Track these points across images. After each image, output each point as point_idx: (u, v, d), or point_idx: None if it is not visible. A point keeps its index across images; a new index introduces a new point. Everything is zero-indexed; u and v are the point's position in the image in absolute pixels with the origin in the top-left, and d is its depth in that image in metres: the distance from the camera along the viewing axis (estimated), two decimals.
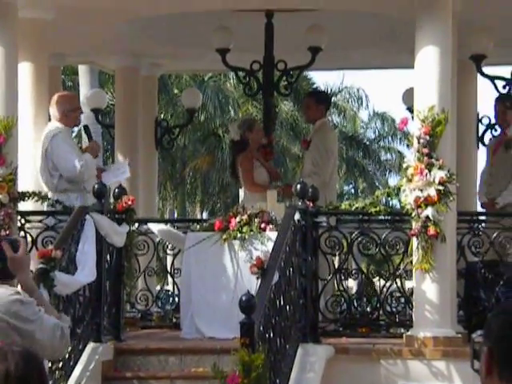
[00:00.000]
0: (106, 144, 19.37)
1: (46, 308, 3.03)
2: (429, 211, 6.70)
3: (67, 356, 6.34)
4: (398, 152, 29.99)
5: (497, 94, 8.52)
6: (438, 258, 6.77)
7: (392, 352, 6.84)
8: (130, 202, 7.04)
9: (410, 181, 6.80)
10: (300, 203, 6.93)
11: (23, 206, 7.32)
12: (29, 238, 7.15)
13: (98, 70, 15.17)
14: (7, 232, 6.77)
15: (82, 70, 15.83)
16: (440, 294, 6.82)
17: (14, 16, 7.19)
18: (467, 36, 7.97)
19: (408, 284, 7.52)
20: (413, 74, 7.14)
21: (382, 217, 7.23)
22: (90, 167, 7.48)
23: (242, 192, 8.65)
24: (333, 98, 25.02)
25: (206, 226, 7.63)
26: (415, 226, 6.77)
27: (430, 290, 6.82)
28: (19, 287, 3.09)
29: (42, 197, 7.31)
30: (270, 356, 5.79)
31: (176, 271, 8.70)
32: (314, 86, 25.55)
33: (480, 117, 9.24)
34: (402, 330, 7.09)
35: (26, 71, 7.69)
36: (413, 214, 6.78)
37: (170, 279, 9.24)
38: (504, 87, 8.32)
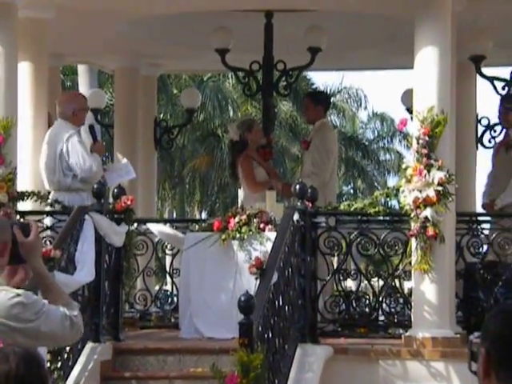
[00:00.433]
0: (105, 144, 19.35)
1: (55, 295, 3.01)
2: (428, 212, 6.71)
3: (66, 356, 6.35)
4: (397, 152, 30.00)
5: (496, 95, 8.53)
6: (436, 258, 6.78)
7: (390, 352, 6.85)
8: (129, 202, 7.04)
9: (408, 181, 6.80)
10: (299, 203, 6.93)
11: (22, 205, 7.32)
12: None
13: (98, 70, 15.17)
14: None
15: (82, 69, 15.83)
16: (439, 295, 6.82)
17: (13, 16, 7.19)
18: (466, 37, 7.97)
19: (407, 284, 7.52)
20: (412, 74, 7.14)
21: (380, 217, 7.24)
22: (100, 168, 7.54)
23: (241, 192, 8.65)
24: (332, 99, 25.00)
25: (205, 226, 7.64)
26: (414, 226, 6.78)
27: (428, 290, 6.83)
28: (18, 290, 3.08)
29: (41, 196, 7.32)
30: (269, 356, 5.79)
31: (175, 271, 8.70)
32: (314, 86, 25.56)
33: (479, 118, 9.24)
34: (401, 331, 7.09)
35: (25, 71, 7.70)
36: (412, 215, 6.78)
37: (168, 279, 9.24)
38: (503, 88, 8.32)
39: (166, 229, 8.47)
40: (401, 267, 7.14)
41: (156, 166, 10.59)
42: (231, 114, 24.62)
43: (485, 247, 7.44)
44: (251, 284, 6.45)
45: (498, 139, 9.00)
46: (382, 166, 30.28)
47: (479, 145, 9.21)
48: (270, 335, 5.93)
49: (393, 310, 7.24)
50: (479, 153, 9.29)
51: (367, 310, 7.30)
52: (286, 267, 6.50)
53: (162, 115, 21.11)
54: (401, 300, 7.21)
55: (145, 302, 8.52)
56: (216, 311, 7.28)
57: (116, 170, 7.72)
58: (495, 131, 9.08)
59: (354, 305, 7.26)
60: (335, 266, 7.46)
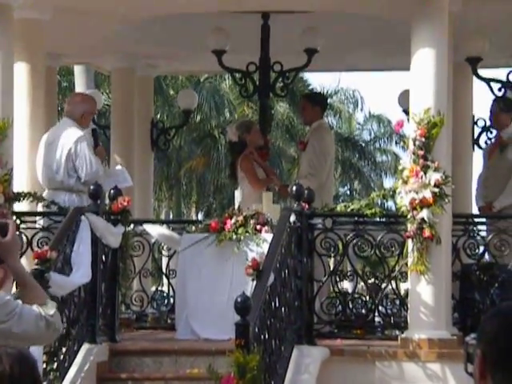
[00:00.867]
0: (101, 145, 19.33)
1: (32, 294, 3.00)
2: (424, 213, 6.71)
3: (62, 357, 6.34)
4: (394, 154, 30.02)
5: (492, 97, 8.54)
6: (433, 260, 6.78)
7: (387, 354, 6.85)
8: (125, 203, 7.04)
9: (405, 183, 6.80)
10: (296, 205, 6.93)
11: (18, 206, 7.31)
12: (24, 239, 7.15)
13: (94, 71, 15.16)
14: None
15: (78, 70, 15.82)
16: (435, 296, 6.82)
17: (10, 16, 7.18)
18: (463, 38, 7.98)
19: (403, 286, 7.52)
20: (409, 75, 7.14)
21: (377, 219, 7.24)
22: (103, 173, 7.58)
23: (237, 193, 8.65)
24: (329, 100, 25.02)
25: (202, 227, 7.63)
26: (410, 227, 6.78)
27: (425, 292, 6.83)
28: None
29: (37, 197, 7.31)
30: (265, 357, 5.79)
31: (171, 272, 8.70)
32: (310, 87, 25.57)
33: (475, 119, 9.25)
34: (397, 332, 7.09)
35: (21, 72, 7.69)
36: (408, 216, 6.78)
37: (165, 280, 9.23)
38: (499, 90, 8.33)
39: (163, 229, 8.46)
40: (397, 268, 7.14)
41: (152, 167, 10.59)
42: (228, 115, 24.63)
43: (481, 248, 7.44)
44: (248, 285, 6.45)
45: (490, 141, 9.01)
46: (378, 167, 30.30)
47: (475, 146, 9.22)
48: (267, 336, 5.93)
49: (389, 311, 7.24)
50: (475, 154, 9.31)
51: (363, 311, 7.31)
52: (282, 268, 6.50)
53: (158, 116, 21.11)
54: (397, 301, 7.21)
55: (141, 303, 8.52)
56: (212, 312, 7.28)
57: (113, 175, 7.72)
58: (491, 133, 9.09)
59: (351, 306, 7.26)
60: (332, 268, 7.46)
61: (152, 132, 10.08)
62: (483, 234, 7.57)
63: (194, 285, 7.46)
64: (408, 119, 7.23)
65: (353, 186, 30.72)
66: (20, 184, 7.43)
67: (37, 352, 5.55)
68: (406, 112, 8.05)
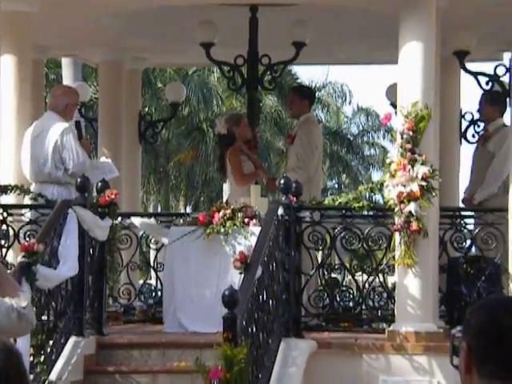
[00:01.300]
0: (89, 138, 19.28)
1: (4, 287, 2.99)
2: (411, 206, 6.72)
3: (49, 350, 6.33)
4: (382, 147, 30.06)
5: (480, 90, 8.55)
6: (420, 253, 6.80)
7: (374, 347, 6.87)
8: (112, 196, 7.03)
9: (393, 176, 6.81)
10: (283, 198, 6.93)
11: (5, 199, 7.29)
12: (11, 232, 7.13)
13: (82, 63, 15.11)
14: None
15: (66, 63, 15.76)
16: (422, 289, 6.84)
17: None
18: (451, 32, 7.99)
19: (391, 279, 7.54)
20: (396, 69, 7.15)
21: (365, 212, 7.25)
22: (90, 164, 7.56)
23: (226, 186, 8.65)
24: (317, 93, 25.02)
25: (190, 220, 7.63)
26: (398, 221, 6.79)
27: (412, 285, 6.85)
28: None
29: (24, 190, 7.28)
30: (253, 350, 5.79)
31: (159, 265, 8.69)
32: (299, 80, 25.56)
33: (463, 113, 9.27)
34: (385, 325, 7.11)
35: (8, 64, 7.65)
36: (396, 210, 6.80)
37: (153, 273, 9.22)
38: (487, 83, 8.34)
39: (150, 222, 8.46)
40: (385, 262, 7.15)
41: (140, 160, 10.56)
42: (216, 108, 24.58)
43: (468, 242, 7.47)
44: (235, 278, 6.45)
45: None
46: (366, 160, 30.34)
47: (463, 140, 9.24)
48: (254, 329, 5.93)
49: (376, 304, 7.26)
50: (463, 148, 9.33)
51: (351, 304, 7.32)
52: (270, 262, 6.50)
53: (146, 109, 21.05)
54: (384, 294, 7.23)
55: (129, 296, 8.51)
56: (200, 305, 7.28)
57: (99, 167, 7.70)
58: (479, 126, 9.11)
59: (338, 299, 7.27)
60: (319, 261, 7.47)
61: (140, 125, 10.05)
62: (470, 227, 7.59)
63: (182, 278, 7.45)
64: (396, 112, 7.24)
65: (341, 179, 30.75)
66: (7, 177, 7.40)
67: (24, 345, 5.54)
68: (394, 105, 8.06)
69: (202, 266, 7.40)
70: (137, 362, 6.84)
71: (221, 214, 7.37)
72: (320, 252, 7.68)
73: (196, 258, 7.42)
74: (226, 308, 5.39)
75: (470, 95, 10.06)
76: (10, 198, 7.33)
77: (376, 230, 7.14)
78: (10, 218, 7.25)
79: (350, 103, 29.70)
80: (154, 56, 10.30)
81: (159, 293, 8.53)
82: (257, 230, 6.98)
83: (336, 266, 7.48)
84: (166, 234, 7.87)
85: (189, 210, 25.16)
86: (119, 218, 7.73)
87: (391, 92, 8.70)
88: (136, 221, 8.32)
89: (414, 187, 6.73)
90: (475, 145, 8.91)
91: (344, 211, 7.18)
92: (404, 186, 6.76)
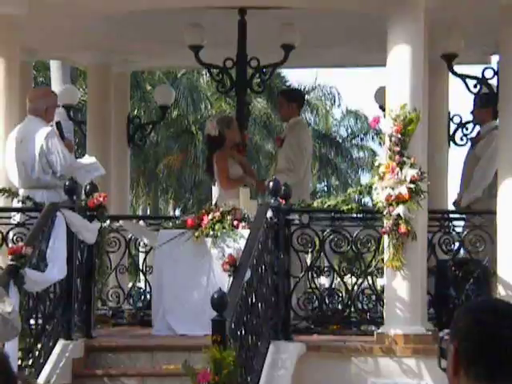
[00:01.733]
0: (77, 140, 19.25)
1: None
2: (400, 209, 6.73)
3: (37, 353, 6.31)
4: (371, 150, 30.12)
5: (468, 93, 8.58)
6: (408, 255, 6.81)
7: (363, 349, 6.87)
8: (101, 199, 7.01)
9: (381, 179, 6.82)
10: (273, 201, 6.93)
11: None
12: None
13: (70, 66, 15.08)
14: None
15: (54, 65, 15.72)
16: (411, 292, 6.85)
17: None
18: (439, 35, 8.01)
19: (379, 281, 7.55)
20: (385, 72, 7.16)
21: (353, 215, 7.26)
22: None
23: (215, 189, 8.64)
24: (306, 96, 25.04)
25: (179, 223, 7.62)
26: (386, 223, 6.80)
27: (400, 287, 6.86)
28: None
29: (12, 193, 7.26)
30: (242, 353, 5.79)
31: (148, 268, 8.67)
32: (288, 83, 25.59)
33: (451, 115, 9.30)
34: (373, 328, 7.12)
35: None
36: (384, 212, 6.81)
37: (141, 276, 9.21)
38: (475, 86, 8.37)
39: (139, 225, 8.44)
40: (373, 264, 7.16)
41: (129, 163, 10.55)
42: (205, 110, 24.58)
43: (456, 244, 7.49)
44: (224, 281, 6.44)
45: (470, 137, 9.06)
46: (355, 163, 30.38)
47: (451, 142, 9.27)
48: (243, 332, 5.93)
49: (365, 306, 7.27)
50: (451, 150, 9.36)
51: (340, 306, 7.33)
52: (259, 264, 6.50)
53: (135, 112, 21.02)
54: (373, 297, 7.24)
55: (117, 300, 8.49)
56: (189, 308, 7.27)
57: (84, 166, 7.67)
58: (467, 129, 9.14)
59: (327, 302, 7.28)
60: (308, 263, 7.47)
61: (128, 127, 10.04)
62: (458, 229, 7.61)
63: (171, 281, 7.44)
64: (384, 115, 7.25)
65: (330, 182, 30.79)
66: None
67: (11, 348, 5.52)
68: (383, 108, 8.08)
69: (191, 268, 7.39)
70: (125, 365, 6.82)
71: (210, 216, 7.36)
72: (309, 254, 7.69)
73: (185, 261, 7.41)
74: (214, 311, 5.39)
75: (458, 98, 10.10)
76: None
77: (365, 233, 7.15)
78: None
79: (338, 106, 29.78)
80: (142, 59, 10.29)
81: (148, 296, 8.51)
82: (246, 232, 6.98)
83: (325, 269, 7.48)
84: (155, 236, 7.86)
85: (178, 212, 25.14)
86: (108, 221, 7.71)
87: (380, 95, 8.71)
88: (126, 224, 8.30)
89: (403, 190, 6.74)
90: (465, 147, 8.95)
91: (333, 214, 7.18)
92: (392, 188, 6.77)
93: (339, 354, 6.88)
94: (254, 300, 6.27)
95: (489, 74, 8.15)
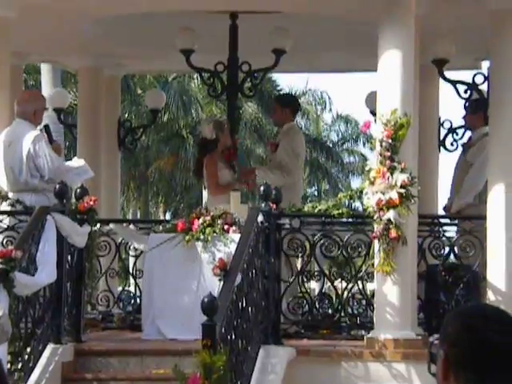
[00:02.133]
0: (68, 144, 19.22)
1: None
2: (390, 214, 6.74)
3: (26, 357, 6.29)
4: (361, 155, 30.16)
5: (458, 99, 8.60)
6: (399, 260, 6.82)
7: (353, 354, 6.88)
8: (91, 203, 7.00)
9: (372, 183, 6.83)
10: (263, 205, 6.93)
11: None
12: None
13: (61, 69, 15.06)
14: None
15: (45, 68, 15.70)
16: (401, 297, 6.86)
17: None
18: (429, 40, 8.03)
19: (369, 286, 7.56)
20: (376, 77, 7.18)
21: (344, 219, 7.27)
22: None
23: (205, 193, 8.64)
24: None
25: (169, 227, 7.61)
26: (377, 228, 6.81)
27: (391, 292, 6.87)
28: None
29: (1, 196, 7.24)
30: (232, 358, 5.79)
31: (138, 272, 8.66)
32: (279, 88, 25.61)
33: (442, 121, 9.32)
34: (363, 332, 7.12)
35: None
36: (375, 217, 6.82)
37: (131, 280, 9.19)
38: (465, 92, 8.39)
39: (129, 229, 8.43)
40: (364, 269, 7.17)
41: (119, 167, 10.54)
42: (195, 114, 24.58)
43: (446, 249, 7.50)
44: (215, 285, 6.44)
45: (460, 142, 9.09)
46: (345, 168, 30.42)
47: (441, 148, 9.29)
48: (233, 337, 5.93)
49: (355, 311, 7.27)
50: (441, 155, 9.38)
51: (330, 311, 7.33)
52: (249, 269, 6.50)
53: (126, 115, 21.01)
54: (363, 302, 7.24)
55: (107, 304, 8.47)
56: (179, 313, 7.26)
57: (73, 169, 7.65)
58: (457, 134, 9.17)
59: (317, 306, 7.28)
60: (299, 268, 7.47)
61: (119, 131, 10.03)
62: (448, 234, 7.63)
63: (161, 285, 7.43)
64: (375, 120, 7.27)
65: (320, 186, 30.82)
66: None
67: (1, 352, 5.50)
68: (373, 113, 8.09)
69: (182, 273, 7.38)
70: (115, 369, 6.81)
71: (200, 220, 7.36)
72: (299, 259, 7.69)
73: (175, 265, 7.40)
74: (205, 315, 5.38)
75: (448, 103, 10.13)
76: None
77: (355, 238, 7.15)
78: None
79: (329, 111, 29.82)
80: (133, 62, 10.28)
81: (138, 300, 8.50)
82: (236, 236, 6.98)
83: (315, 273, 7.48)
84: (146, 240, 7.85)
85: (168, 216, 25.11)
86: (98, 225, 7.70)
87: (370, 100, 8.73)
88: (116, 228, 8.29)
89: (393, 195, 6.75)
90: (455, 153, 8.98)
91: (323, 218, 7.19)
92: (383, 193, 6.78)
93: (329, 359, 6.88)
94: (244, 304, 6.26)
95: (479, 79, 8.18)
